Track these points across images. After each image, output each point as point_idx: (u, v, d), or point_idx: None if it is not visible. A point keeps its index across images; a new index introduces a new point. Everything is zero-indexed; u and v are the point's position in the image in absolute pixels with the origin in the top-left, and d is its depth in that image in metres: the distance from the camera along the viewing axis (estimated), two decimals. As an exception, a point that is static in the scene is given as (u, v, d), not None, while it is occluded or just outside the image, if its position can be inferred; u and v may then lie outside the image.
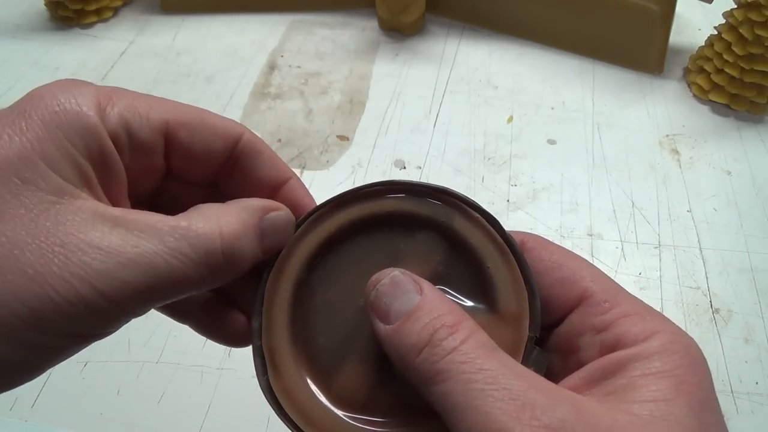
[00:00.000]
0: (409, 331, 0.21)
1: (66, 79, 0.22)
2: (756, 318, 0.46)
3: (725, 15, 0.59)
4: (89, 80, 0.23)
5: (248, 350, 0.25)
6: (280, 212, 0.25)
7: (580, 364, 0.22)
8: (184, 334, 0.27)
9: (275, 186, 0.26)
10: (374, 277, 0.23)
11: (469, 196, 0.25)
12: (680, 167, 0.57)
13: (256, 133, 0.26)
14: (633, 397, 0.20)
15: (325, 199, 0.26)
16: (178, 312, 0.27)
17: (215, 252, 0.21)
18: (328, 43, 0.68)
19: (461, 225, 0.25)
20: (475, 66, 0.66)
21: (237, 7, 0.71)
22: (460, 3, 0.69)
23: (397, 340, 0.21)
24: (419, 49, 0.67)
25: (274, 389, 0.23)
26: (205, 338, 0.27)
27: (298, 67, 0.65)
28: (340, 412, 0.23)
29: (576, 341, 0.23)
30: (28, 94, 0.21)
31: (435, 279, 0.24)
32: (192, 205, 0.25)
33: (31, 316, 0.18)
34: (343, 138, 0.58)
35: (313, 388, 0.24)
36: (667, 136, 0.59)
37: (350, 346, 0.24)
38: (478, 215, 0.25)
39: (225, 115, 0.25)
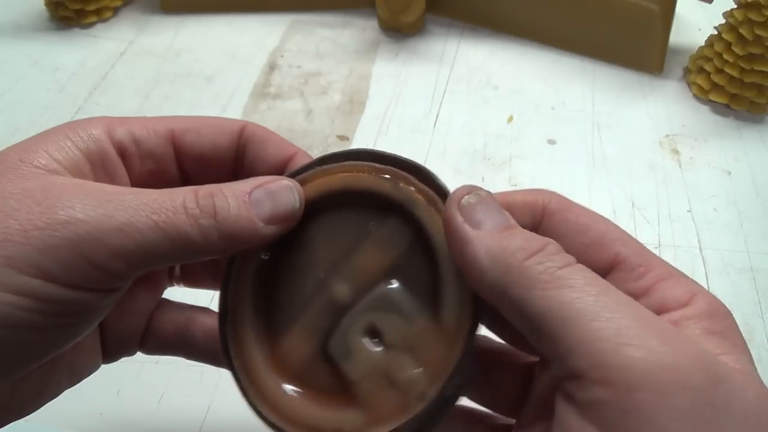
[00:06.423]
0: (515, 236, 0.21)
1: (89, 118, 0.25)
2: (756, 318, 0.46)
3: (725, 15, 0.59)
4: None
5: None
6: (278, 181, 0.24)
7: None
8: (184, 334, 0.27)
9: (284, 164, 0.27)
10: (457, 192, 0.23)
11: (444, 181, 0.25)
12: (680, 167, 0.57)
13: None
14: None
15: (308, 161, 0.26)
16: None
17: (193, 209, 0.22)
18: (328, 43, 0.68)
19: (429, 218, 0.24)
20: (475, 66, 0.66)
21: (237, 7, 0.71)
22: (460, 3, 0.69)
23: (497, 241, 0.20)
24: (419, 49, 0.67)
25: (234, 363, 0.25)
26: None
27: (298, 67, 0.65)
28: (280, 381, 0.24)
29: None
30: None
31: (393, 270, 0.24)
32: None
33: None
34: (343, 138, 0.58)
35: (260, 349, 0.25)
36: (667, 136, 0.59)
37: (300, 313, 0.25)
38: None
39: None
